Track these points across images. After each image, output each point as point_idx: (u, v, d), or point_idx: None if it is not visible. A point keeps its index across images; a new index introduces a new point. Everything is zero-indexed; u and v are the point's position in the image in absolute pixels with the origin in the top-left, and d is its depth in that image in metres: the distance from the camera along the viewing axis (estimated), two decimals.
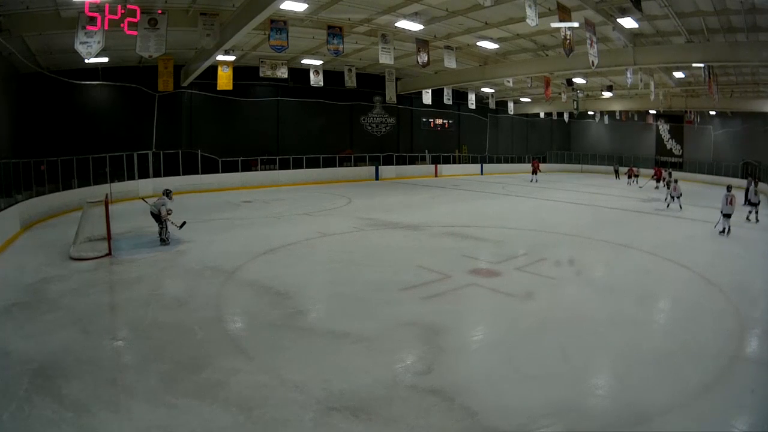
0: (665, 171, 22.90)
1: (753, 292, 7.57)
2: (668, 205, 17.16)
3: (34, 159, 13.59)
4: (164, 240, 10.12)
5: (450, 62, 17.58)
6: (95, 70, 18.79)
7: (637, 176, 26.38)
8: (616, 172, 30.06)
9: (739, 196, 19.17)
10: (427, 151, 31.23)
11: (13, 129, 16.52)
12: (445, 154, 32.40)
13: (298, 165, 24.22)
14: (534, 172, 27.27)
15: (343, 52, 15.97)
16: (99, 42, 10.37)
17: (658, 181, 24.08)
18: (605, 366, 5.16)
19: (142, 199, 10.40)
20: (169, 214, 10.05)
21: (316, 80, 20.89)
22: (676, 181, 17.19)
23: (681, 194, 16.56)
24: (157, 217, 10.05)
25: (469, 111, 31.18)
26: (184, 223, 10.48)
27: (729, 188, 12.08)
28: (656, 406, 4.10)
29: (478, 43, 17.87)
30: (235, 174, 21.93)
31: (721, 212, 11.86)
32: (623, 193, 22.13)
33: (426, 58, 16.47)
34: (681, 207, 16.44)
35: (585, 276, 8.75)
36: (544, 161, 37.91)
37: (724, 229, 11.89)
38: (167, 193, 10.41)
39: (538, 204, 18.22)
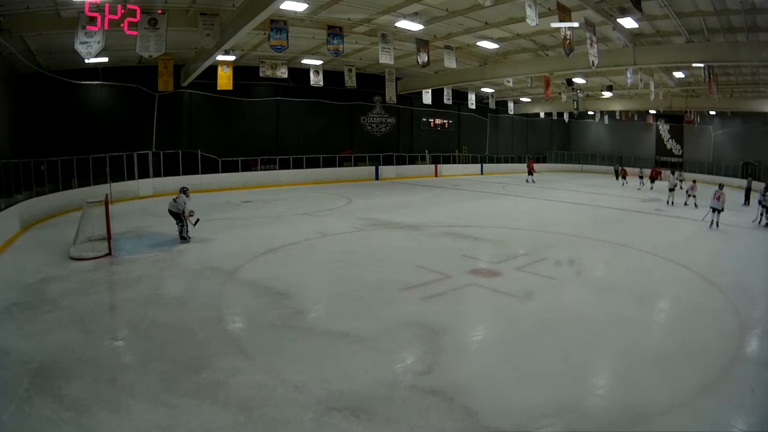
0: (675, 172, 22.37)
1: (753, 292, 7.57)
2: (685, 203, 17.28)
3: (34, 159, 13.60)
4: (185, 237, 10.25)
5: (450, 62, 17.58)
6: (95, 70, 18.78)
7: (641, 177, 25.64)
8: (617, 173, 29.89)
9: (738, 195, 19.41)
10: (427, 151, 31.23)
11: (13, 129, 16.51)
12: (445, 154, 32.40)
13: (298, 165, 24.22)
14: (530, 172, 27.29)
15: (343, 52, 15.97)
16: (99, 42, 10.37)
17: (653, 181, 23.99)
18: (605, 366, 5.16)
19: (193, 222, 10.66)
20: (191, 215, 10.24)
21: (316, 80, 20.89)
22: (694, 181, 17.60)
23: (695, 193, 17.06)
24: (177, 215, 10.17)
25: (469, 111, 31.18)
26: (198, 220, 10.63)
27: (720, 186, 13.38)
28: (656, 406, 4.10)
29: (478, 43, 17.86)
30: (235, 174, 21.93)
31: (710, 207, 13.16)
32: (623, 193, 22.14)
33: (426, 58, 16.47)
34: (696, 206, 16.56)
35: (585, 276, 8.75)
36: (544, 161, 38.16)
37: (711, 221, 13.07)
38: (184, 191, 10.50)
39: (538, 204, 18.22)
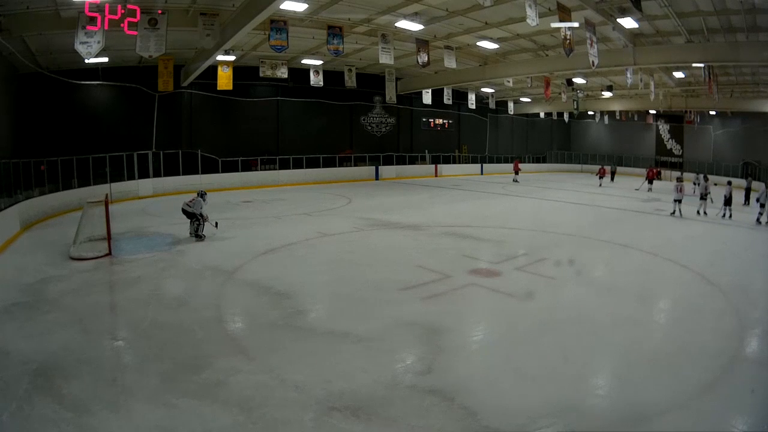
0: (701, 175, 19.31)
1: (753, 292, 7.57)
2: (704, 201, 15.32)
3: (34, 159, 13.58)
4: (200, 236, 10.46)
5: (450, 62, 17.58)
6: (95, 70, 18.77)
7: (650, 180, 23.72)
8: (613, 174, 29.23)
9: (738, 195, 19.33)
10: (427, 151, 31.22)
11: (13, 129, 16.52)
12: (445, 154, 32.40)
13: (298, 165, 24.21)
14: (516, 172, 27.26)
15: (343, 52, 15.97)
16: (99, 42, 10.38)
17: (650, 182, 23.78)
18: (605, 366, 5.16)
19: (213, 224, 11.07)
20: (207, 219, 10.64)
21: (316, 80, 20.89)
22: (706, 179, 15.82)
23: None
24: (191, 214, 10.41)
25: (469, 111, 31.19)
26: (217, 223, 11.08)
27: (679, 179, 14.99)
28: (656, 406, 4.10)
29: (478, 43, 17.87)
30: (235, 174, 21.92)
31: (673, 199, 14.70)
32: (623, 193, 22.11)
33: (426, 58, 16.47)
34: (712, 201, 15.05)
35: (585, 276, 8.73)
36: (544, 161, 38.33)
37: (674, 211, 14.63)
38: (202, 195, 10.75)
39: (538, 204, 18.22)
